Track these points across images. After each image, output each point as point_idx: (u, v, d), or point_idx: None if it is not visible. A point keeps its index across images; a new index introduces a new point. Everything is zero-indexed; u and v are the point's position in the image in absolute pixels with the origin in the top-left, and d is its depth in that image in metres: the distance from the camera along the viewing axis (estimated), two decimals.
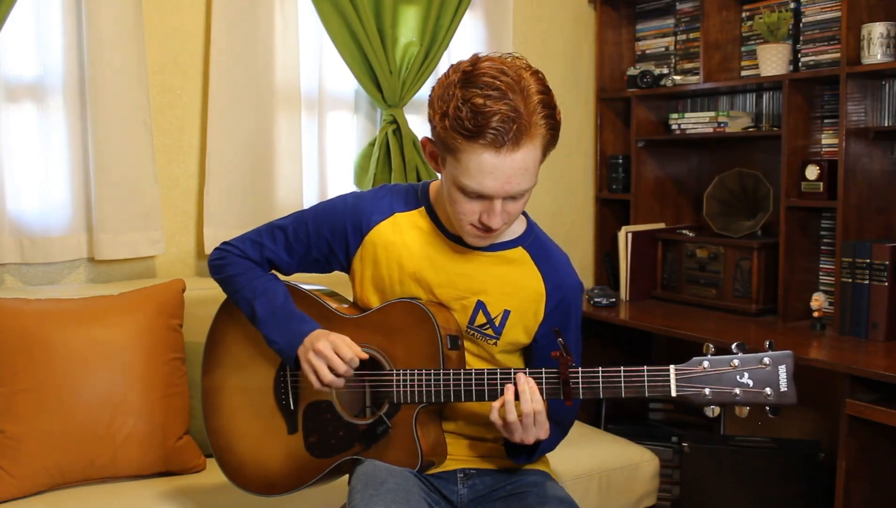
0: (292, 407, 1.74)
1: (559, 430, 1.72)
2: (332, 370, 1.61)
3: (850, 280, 2.70)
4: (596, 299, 3.23)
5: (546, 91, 1.48)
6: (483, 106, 1.42)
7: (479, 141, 1.43)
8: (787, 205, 2.89)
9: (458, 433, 1.72)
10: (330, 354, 1.60)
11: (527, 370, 1.55)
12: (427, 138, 1.59)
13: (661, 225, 3.45)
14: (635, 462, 2.57)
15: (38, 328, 2.15)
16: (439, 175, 1.63)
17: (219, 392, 1.83)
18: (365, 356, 1.63)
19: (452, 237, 1.67)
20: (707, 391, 1.45)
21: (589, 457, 2.50)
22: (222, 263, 1.78)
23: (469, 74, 1.46)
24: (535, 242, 1.70)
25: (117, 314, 2.26)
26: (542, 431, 1.53)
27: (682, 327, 2.86)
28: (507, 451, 1.67)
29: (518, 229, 1.70)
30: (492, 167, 1.45)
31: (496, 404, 1.53)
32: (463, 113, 1.43)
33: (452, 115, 1.44)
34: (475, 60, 1.49)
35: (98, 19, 2.49)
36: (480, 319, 1.66)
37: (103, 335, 2.20)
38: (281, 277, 1.80)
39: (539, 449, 1.66)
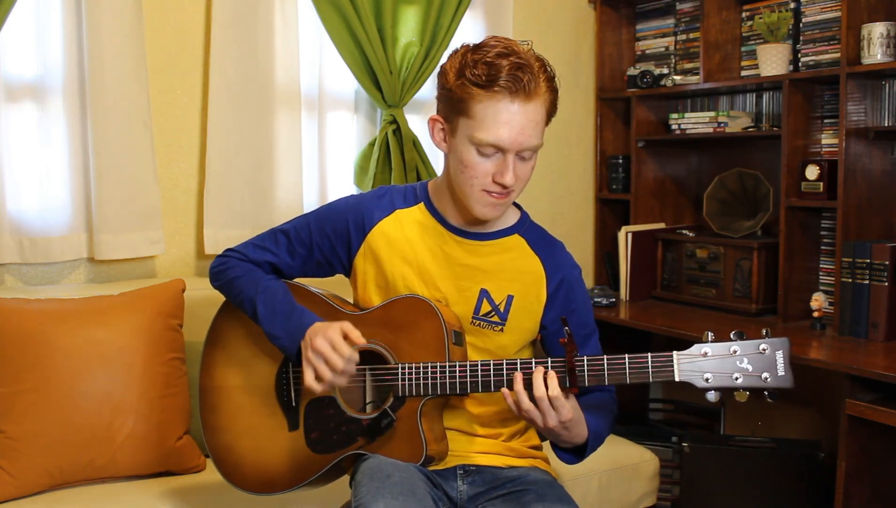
0: (294, 404, 1.74)
1: (605, 415, 1.71)
2: (330, 367, 1.60)
3: (850, 280, 2.71)
4: (596, 299, 3.23)
5: (543, 60, 1.60)
6: (495, 60, 1.54)
7: (494, 89, 1.53)
8: (787, 205, 2.89)
9: (459, 429, 1.73)
10: (327, 351, 1.59)
11: (532, 359, 1.57)
12: (434, 116, 1.66)
13: (661, 225, 3.45)
14: (635, 462, 2.58)
15: (38, 328, 2.15)
16: (439, 168, 1.66)
17: (218, 391, 1.83)
18: (364, 342, 1.61)
19: (452, 229, 1.71)
20: (708, 376, 1.49)
21: (589, 457, 2.49)
22: (224, 268, 1.80)
23: (476, 45, 1.59)
24: (529, 228, 1.77)
25: (117, 314, 2.26)
26: (563, 414, 1.51)
27: (682, 327, 2.86)
28: (553, 450, 1.67)
29: (513, 218, 1.76)
30: (506, 116, 1.54)
31: (508, 397, 1.53)
32: (477, 68, 1.54)
33: (468, 72, 1.55)
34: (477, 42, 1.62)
35: (98, 19, 2.49)
36: (485, 307, 1.69)
37: (103, 335, 2.20)
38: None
39: (590, 443, 1.64)
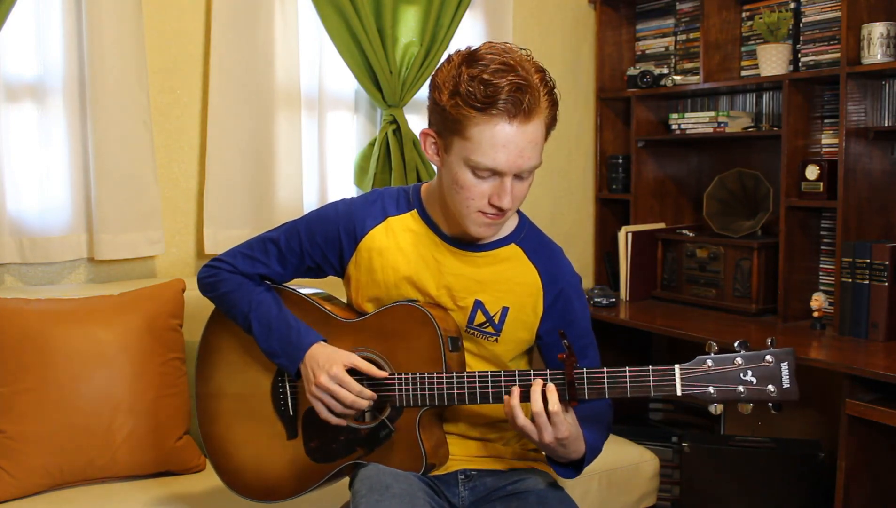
0: (291, 413, 1.73)
1: (600, 427, 1.68)
2: (340, 401, 1.61)
3: (850, 280, 2.70)
4: (596, 299, 3.23)
5: (544, 71, 1.52)
6: (492, 79, 1.45)
7: (492, 112, 1.45)
8: (787, 205, 2.89)
9: (459, 434, 1.72)
10: (335, 388, 1.60)
11: (532, 371, 1.54)
12: (427, 130, 1.59)
13: (661, 225, 3.45)
14: (635, 462, 2.58)
15: (38, 328, 2.15)
16: (436, 170, 1.63)
17: (215, 399, 1.82)
18: (381, 373, 1.61)
19: (446, 239, 1.66)
20: (712, 389, 1.45)
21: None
22: (214, 280, 1.77)
23: (472, 56, 1.50)
24: (527, 237, 1.70)
25: (117, 314, 2.26)
26: (560, 430, 1.47)
27: (682, 327, 2.86)
28: (549, 463, 1.64)
29: (510, 225, 1.70)
30: (505, 139, 1.47)
31: (506, 409, 1.51)
32: (474, 87, 1.45)
33: (463, 91, 1.46)
34: (472, 48, 1.53)
35: (98, 19, 2.49)
36: (479, 318, 1.66)
37: (103, 335, 2.20)
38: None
39: (587, 458, 1.61)
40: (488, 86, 1.44)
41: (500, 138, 1.47)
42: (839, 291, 2.76)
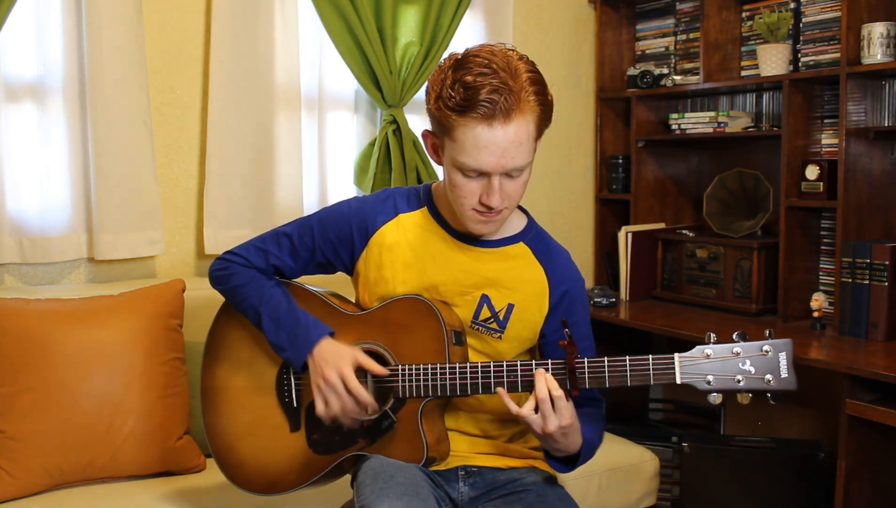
0: (295, 405, 1.74)
1: (594, 426, 1.69)
2: (340, 403, 1.62)
3: (850, 280, 2.71)
4: (596, 299, 3.23)
5: (535, 71, 1.54)
6: (473, 82, 1.48)
7: (470, 115, 1.48)
8: (787, 205, 2.89)
9: (460, 430, 1.73)
10: (340, 389, 1.61)
11: (533, 360, 1.56)
12: (426, 131, 1.63)
13: (661, 225, 3.45)
14: (635, 462, 2.58)
15: (38, 328, 2.15)
16: (440, 170, 1.66)
17: (219, 391, 1.83)
18: (384, 371, 1.63)
19: (455, 235, 1.69)
20: (711, 378, 1.47)
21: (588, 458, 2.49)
22: (226, 273, 1.79)
23: (461, 59, 1.53)
24: (535, 237, 1.73)
25: (117, 314, 2.26)
26: (563, 417, 1.49)
27: (682, 327, 2.86)
28: (547, 459, 1.65)
29: (518, 225, 1.73)
30: (485, 141, 1.50)
31: (505, 396, 1.52)
32: (454, 91, 1.49)
33: (445, 94, 1.50)
34: (467, 50, 1.56)
35: (98, 19, 2.49)
36: (485, 313, 1.68)
37: (103, 335, 2.20)
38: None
39: (583, 453, 1.62)
40: (468, 89, 1.48)
41: (482, 140, 1.50)
42: (839, 291, 2.76)
